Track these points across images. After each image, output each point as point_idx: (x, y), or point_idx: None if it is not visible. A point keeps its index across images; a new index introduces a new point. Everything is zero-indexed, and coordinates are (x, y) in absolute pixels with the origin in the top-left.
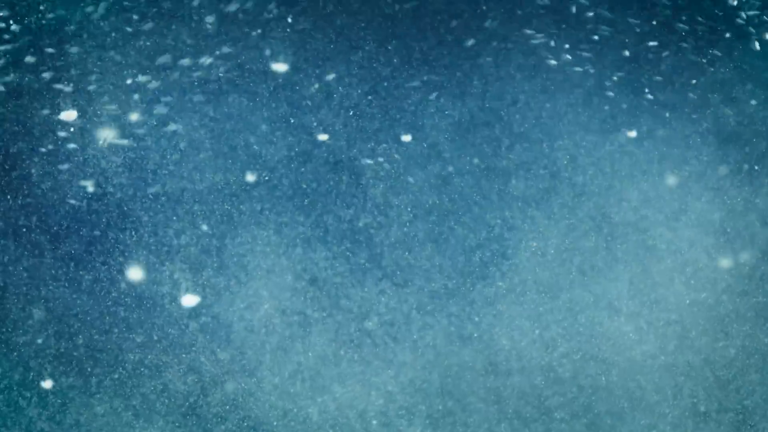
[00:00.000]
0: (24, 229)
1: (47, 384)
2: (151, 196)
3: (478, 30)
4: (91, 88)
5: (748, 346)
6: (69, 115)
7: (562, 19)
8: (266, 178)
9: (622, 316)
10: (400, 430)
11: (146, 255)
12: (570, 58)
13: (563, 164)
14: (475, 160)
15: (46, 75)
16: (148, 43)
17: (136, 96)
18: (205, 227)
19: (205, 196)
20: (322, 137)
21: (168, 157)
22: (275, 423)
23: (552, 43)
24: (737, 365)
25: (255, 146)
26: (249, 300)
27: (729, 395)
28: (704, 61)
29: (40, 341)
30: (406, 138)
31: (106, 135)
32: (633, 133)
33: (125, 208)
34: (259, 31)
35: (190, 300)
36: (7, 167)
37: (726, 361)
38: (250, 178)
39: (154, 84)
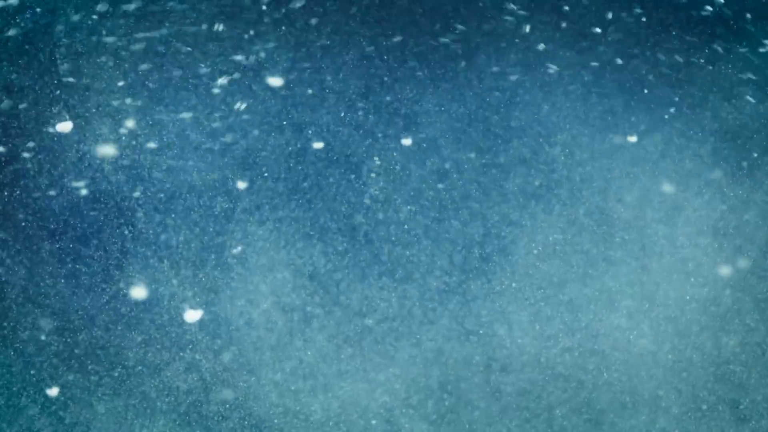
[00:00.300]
0: (23, 227)
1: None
2: (149, 195)
3: (476, 27)
4: (88, 91)
5: (749, 342)
6: (65, 126)
7: (559, 16)
8: (265, 173)
9: (623, 311)
10: (402, 426)
11: (145, 252)
12: (568, 54)
13: (563, 160)
14: (474, 156)
15: (39, 76)
16: (142, 45)
17: (129, 100)
18: (203, 224)
19: (203, 193)
20: (321, 131)
21: (166, 155)
22: (276, 421)
23: (549, 39)
24: (739, 361)
25: (253, 143)
26: (249, 297)
27: (730, 390)
28: (702, 60)
29: (40, 339)
30: (406, 141)
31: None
32: (632, 132)
33: (122, 207)
34: (252, 32)
35: (193, 315)
36: (4, 165)
37: (727, 356)
38: (250, 174)
39: (149, 83)
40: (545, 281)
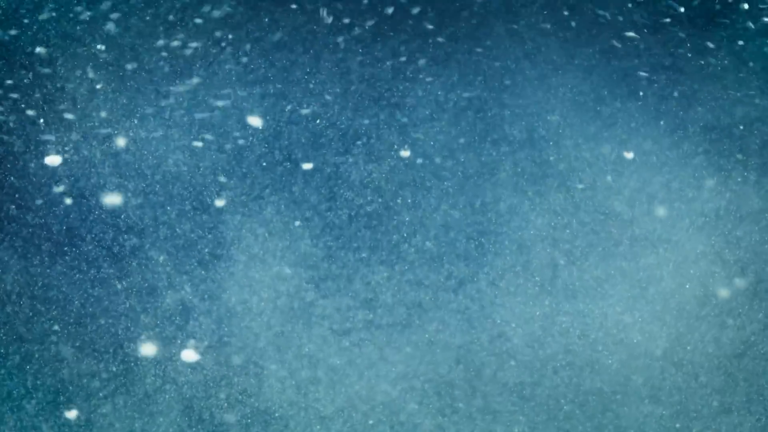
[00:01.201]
0: (18, 225)
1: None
2: (148, 183)
3: (475, 15)
4: (84, 98)
5: (749, 331)
6: (53, 159)
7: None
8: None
9: (625, 301)
10: (406, 417)
11: (148, 245)
12: (564, 45)
13: (561, 151)
14: (472, 147)
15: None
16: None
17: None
18: (203, 215)
19: (202, 182)
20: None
21: (167, 144)
22: (278, 414)
23: (547, 31)
24: (740, 350)
25: (253, 130)
26: (250, 290)
27: (732, 379)
28: (691, 54)
29: (38, 335)
30: (405, 153)
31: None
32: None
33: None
34: (229, 35)
35: (189, 355)
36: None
37: (728, 345)
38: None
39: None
40: (546, 270)
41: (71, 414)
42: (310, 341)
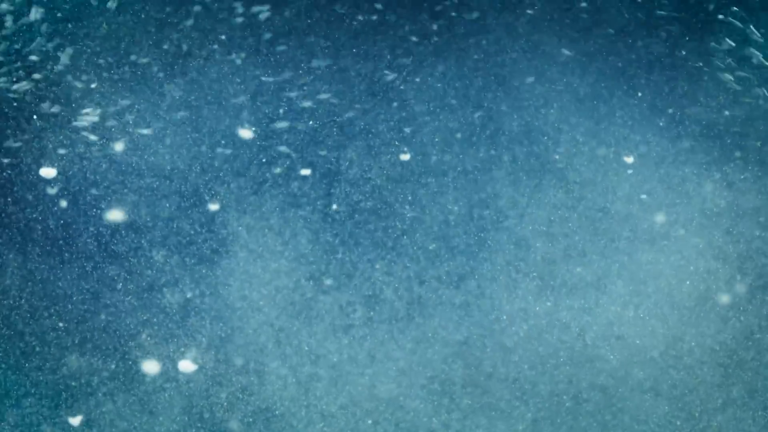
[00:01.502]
0: (18, 228)
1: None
2: (151, 175)
3: (472, 10)
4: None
5: (750, 325)
6: (49, 171)
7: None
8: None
9: (626, 297)
10: (409, 412)
11: (148, 244)
12: (562, 41)
13: (558, 147)
14: (470, 144)
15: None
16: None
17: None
18: (207, 209)
19: (203, 179)
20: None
21: (172, 139)
22: (278, 412)
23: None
24: (740, 345)
25: (254, 127)
26: (250, 287)
27: (731, 373)
28: (683, 55)
29: (36, 333)
30: (405, 157)
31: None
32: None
33: (114, 202)
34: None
35: (187, 365)
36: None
37: (728, 340)
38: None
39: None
40: (546, 266)
41: (71, 413)
42: (310, 338)
